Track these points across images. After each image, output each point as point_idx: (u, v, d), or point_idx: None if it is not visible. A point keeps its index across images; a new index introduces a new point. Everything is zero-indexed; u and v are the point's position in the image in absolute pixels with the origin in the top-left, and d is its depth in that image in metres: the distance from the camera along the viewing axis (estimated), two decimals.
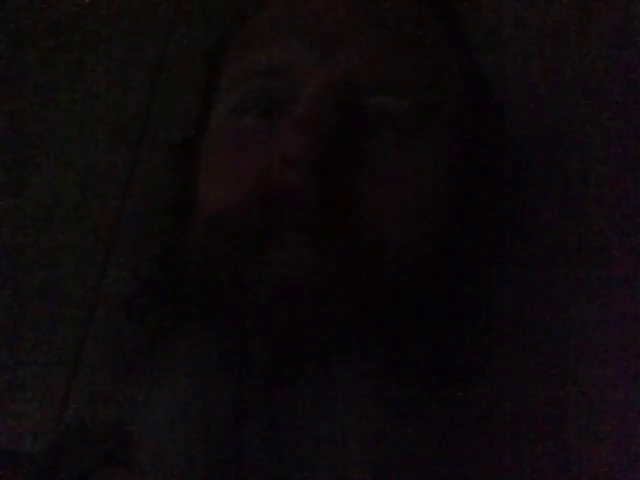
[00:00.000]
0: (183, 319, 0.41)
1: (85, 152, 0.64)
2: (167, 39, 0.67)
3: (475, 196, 0.45)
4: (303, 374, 0.36)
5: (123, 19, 0.68)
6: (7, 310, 0.59)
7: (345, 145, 0.39)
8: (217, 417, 0.36)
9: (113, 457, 0.42)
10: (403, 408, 0.38)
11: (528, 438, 0.48)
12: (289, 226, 0.38)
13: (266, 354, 0.36)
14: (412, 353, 0.39)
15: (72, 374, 0.56)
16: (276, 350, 0.37)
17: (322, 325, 0.37)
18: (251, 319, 0.37)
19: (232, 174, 0.41)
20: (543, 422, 0.49)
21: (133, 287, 0.49)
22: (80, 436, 0.45)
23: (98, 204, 0.62)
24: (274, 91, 0.42)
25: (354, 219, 0.39)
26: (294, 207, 0.38)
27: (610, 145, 0.54)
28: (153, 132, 0.64)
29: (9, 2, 0.69)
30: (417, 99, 0.42)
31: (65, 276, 0.60)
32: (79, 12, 0.68)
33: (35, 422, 0.55)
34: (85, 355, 0.57)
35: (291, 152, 0.38)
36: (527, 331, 0.51)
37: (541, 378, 0.50)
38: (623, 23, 0.55)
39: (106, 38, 0.67)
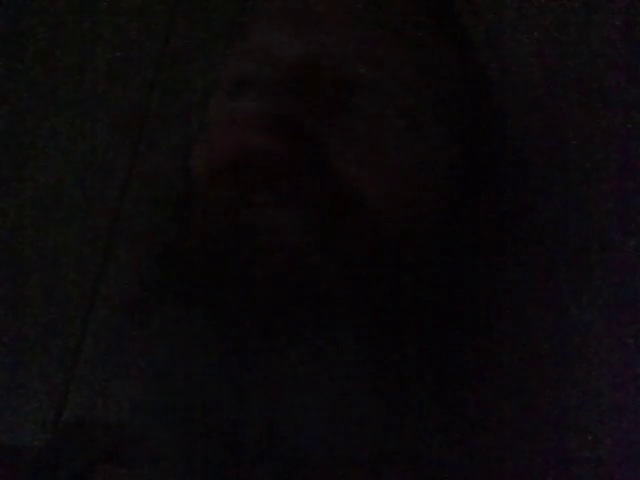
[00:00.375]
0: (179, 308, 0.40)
1: (84, 150, 0.64)
2: (167, 38, 0.67)
3: (467, 185, 0.45)
4: (294, 349, 0.36)
5: (123, 17, 0.67)
6: (7, 307, 0.59)
7: (314, 110, 0.41)
8: (214, 403, 0.36)
9: (113, 456, 0.42)
10: (401, 403, 0.38)
11: (528, 438, 0.48)
12: (262, 187, 0.39)
13: (258, 326, 0.37)
14: (410, 351, 0.39)
15: (71, 370, 0.56)
16: (267, 321, 0.37)
17: (308, 292, 0.37)
18: (238, 291, 0.38)
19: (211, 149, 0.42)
20: (543, 422, 0.49)
21: (133, 286, 0.49)
22: (80, 433, 0.45)
23: (97, 202, 0.62)
24: (254, 74, 0.44)
25: (330, 179, 0.40)
26: (262, 166, 0.39)
27: (610, 145, 0.54)
28: (152, 131, 0.64)
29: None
30: (400, 77, 0.43)
31: (64, 273, 0.60)
32: (79, 10, 0.68)
33: (34, 417, 0.55)
34: (84, 352, 0.57)
35: (252, 113, 0.40)
36: (527, 331, 0.51)
37: (541, 378, 0.50)
38: (623, 22, 0.55)
39: (106, 37, 0.67)
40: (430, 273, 0.40)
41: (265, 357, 0.36)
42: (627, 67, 0.55)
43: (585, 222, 0.52)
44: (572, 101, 0.55)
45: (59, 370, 0.57)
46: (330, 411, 0.36)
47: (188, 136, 0.51)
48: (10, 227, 0.62)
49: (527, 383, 0.49)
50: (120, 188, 0.62)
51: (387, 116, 0.42)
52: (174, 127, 0.62)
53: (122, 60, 0.66)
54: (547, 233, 0.53)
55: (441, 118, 0.44)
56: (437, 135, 0.43)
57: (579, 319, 0.51)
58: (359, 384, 0.37)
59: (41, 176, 0.63)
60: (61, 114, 0.66)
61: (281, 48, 0.43)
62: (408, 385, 0.39)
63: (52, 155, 0.64)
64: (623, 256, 0.51)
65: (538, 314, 0.51)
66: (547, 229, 0.53)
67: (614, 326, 0.50)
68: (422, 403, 0.40)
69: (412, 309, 0.39)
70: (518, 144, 0.53)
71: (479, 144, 0.46)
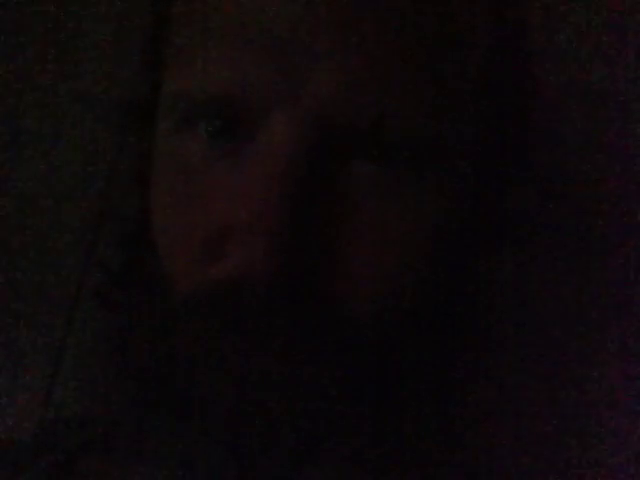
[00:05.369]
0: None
1: (73, 139, 0.63)
2: None
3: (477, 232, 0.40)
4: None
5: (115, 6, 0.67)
6: None
7: (321, 206, 0.34)
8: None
9: (96, 448, 0.42)
10: (400, 405, 0.37)
11: (528, 438, 0.48)
12: (248, 325, 0.33)
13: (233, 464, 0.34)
14: (408, 351, 0.37)
15: (57, 361, 0.56)
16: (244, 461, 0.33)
17: (296, 432, 0.33)
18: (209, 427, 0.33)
19: (182, 230, 0.36)
20: (543, 422, 0.49)
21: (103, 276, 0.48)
22: (63, 425, 0.44)
23: (88, 199, 0.62)
24: (230, 114, 0.35)
25: (331, 300, 0.34)
26: (254, 304, 0.33)
27: (610, 145, 0.54)
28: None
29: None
30: (414, 134, 0.34)
31: (50, 264, 0.60)
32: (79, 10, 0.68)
33: (19, 410, 0.55)
34: (70, 341, 0.57)
35: (253, 253, 0.32)
36: (527, 331, 0.51)
37: (541, 378, 0.50)
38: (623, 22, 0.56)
39: (96, 25, 0.66)
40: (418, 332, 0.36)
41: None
42: (627, 67, 0.55)
43: (585, 222, 0.53)
44: (572, 103, 0.55)
45: (44, 359, 0.56)
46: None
47: None
48: None
49: (527, 383, 0.49)
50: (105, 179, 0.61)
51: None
52: None
53: (122, 60, 0.66)
54: (547, 233, 0.53)
55: (447, 155, 0.36)
56: (439, 178, 0.35)
57: (579, 319, 0.51)
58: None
59: (33, 172, 0.63)
60: (61, 114, 0.65)
61: (265, 94, 0.33)
62: (407, 386, 0.39)
63: (49, 153, 0.64)
64: (623, 256, 0.51)
65: (538, 314, 0.51)
66: (547, 229, 0.53)
67: (614, 326, 0.50)
68: (421, 404, 0.40)
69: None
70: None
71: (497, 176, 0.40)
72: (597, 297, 0.51)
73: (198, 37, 0.36)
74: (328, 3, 0.33)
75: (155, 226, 0.37)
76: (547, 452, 0.48)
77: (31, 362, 0.56)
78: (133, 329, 0.37)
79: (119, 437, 0.41)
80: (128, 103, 0.46)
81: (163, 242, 0.37)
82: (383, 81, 0.33)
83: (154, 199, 0.38)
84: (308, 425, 0.33)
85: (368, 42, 0.33)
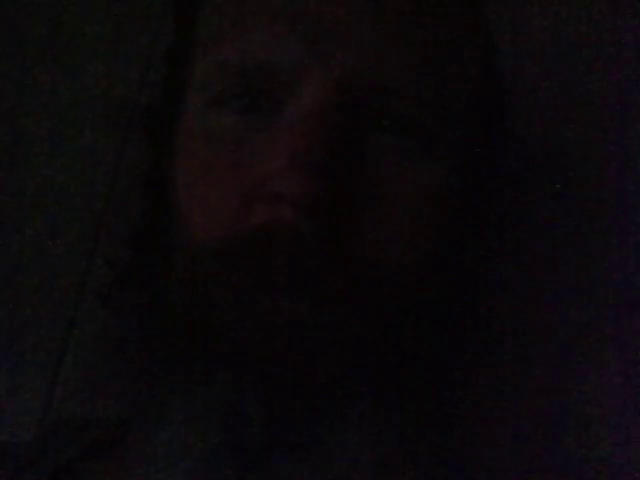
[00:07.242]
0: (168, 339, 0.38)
1: (73, 140, 0.63)
2: (157, 31, 0.66)
3: (479, 207, 0.43)
4: (304, 433, 0.35)
5: (114, 7, 0.67)
6: None
7: (346, 165, 0.36)
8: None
9: (101, 450, 0.42)
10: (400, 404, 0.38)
11: (528, 438, 0.48)
12: (279, 270, 0.35)
13: (262, 411, 0.35)
14: (411, 376, 0.38)
15: (58, 364, 0.56)
16: (272, 407, 0.35)
17: (320, 376, 0.35)
18: (242, 374, 0.35)
19: (215, 193, 0.38)
20: (543, 422, 0.49)
21: (109, 276, 0.48)
22: (66, 427, 0.44)
23: (85, 199, 0.61)
24: (260, 87, 0.38)
25: (352, 252, 0.36)
26: (286, 249, 0.35)
27: (610, 146, 0.54)
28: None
29: None
30: (428, 104, 0.38)
31: (51, 265, 0.59)
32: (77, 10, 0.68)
33: (20, 412, 0.55)
34: (72, 346, 0.57)
35: (289, 190, 0.35)
36: (527, 331, 0.51)
37: (541, 378, 0.50)
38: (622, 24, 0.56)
39: (96, 27, 0.66)
40: (429, 295, 0.38)
41: (261, 413, 0.35)
42: (626, 68, 0.55)
43: (585, 222, 0.53)
44: (572, 101, 0.55)
45: (46, 362, 0.56)
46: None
47: None
48: None
49: (527, 382, 0.49)
50: (108, 179, 0.61)
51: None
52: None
53: (113, 49, 0.66)
54: (547, 233, 0.53)
55: (452, 127, 0.39)
56: (447, 146, 0.39)
57: (579, 319, 0.51)
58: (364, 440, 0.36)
59: (34, 174, 0.63)
60: (59, 114, 0.65)
61: (298, 65, 0.37)
62: (407, 386, 0.39)
63: (47, 153, 0.64)
64: (623, 256, 0.51)
65: (538, 314, 0.51)
66: (547, 229, 0.53)
67: (614, 326, 0.50)
68: (421, 404, 0.40)
69: (412, 334, 0.38)
70: (518, 144, 0.53)
71: (489, 152, 0.43)
72: (597, 296, 0.51)
73: (233, 18, 0.40)
74: None
75: (186, 195, 0.39)
76: (546, 451, 0.48)
77: (32, 363, 0.56)
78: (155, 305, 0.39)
79: (122, 439, 0.41)
80: (144, 106, 0.48)
81: (197, 207, 0.38)
82: (401, 55, 0.38)
83: (186, 172, 0.40)
84: (332, 374, 0.35)
85: (389, 20, 0.38)
